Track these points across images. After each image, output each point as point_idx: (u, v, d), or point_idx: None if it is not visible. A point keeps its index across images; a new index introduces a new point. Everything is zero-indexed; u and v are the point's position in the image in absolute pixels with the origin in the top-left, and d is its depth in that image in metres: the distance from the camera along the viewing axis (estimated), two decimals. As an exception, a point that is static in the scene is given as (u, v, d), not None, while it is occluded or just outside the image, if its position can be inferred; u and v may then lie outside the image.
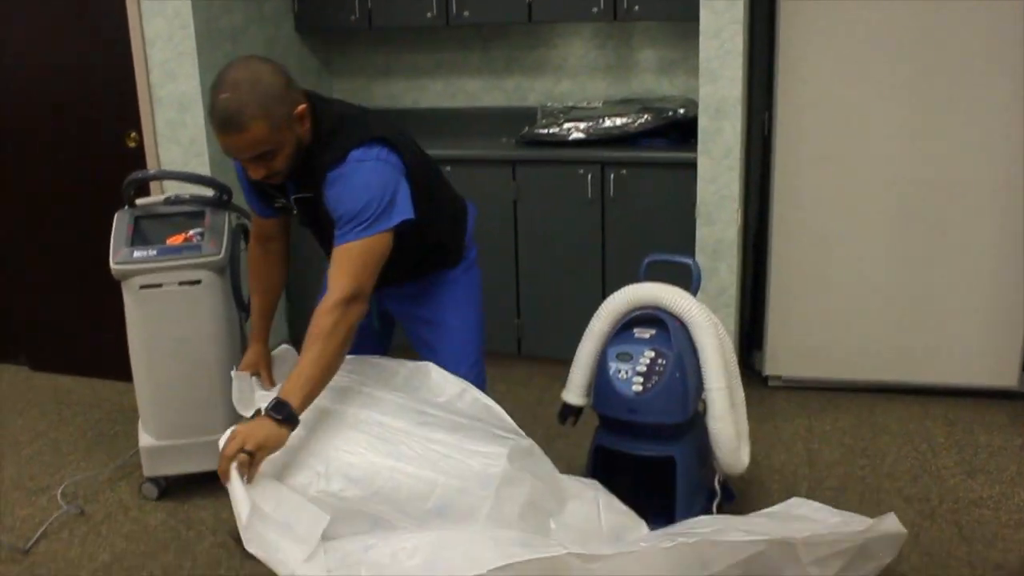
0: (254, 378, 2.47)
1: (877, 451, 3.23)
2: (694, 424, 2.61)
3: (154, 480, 3.13)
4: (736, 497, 2.90)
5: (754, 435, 3.34)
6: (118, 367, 3.42)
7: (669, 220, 3.62)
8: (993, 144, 3.31)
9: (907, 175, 3.40)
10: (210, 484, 3.14)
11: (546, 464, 2.29)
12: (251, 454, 1.88)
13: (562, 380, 2.70)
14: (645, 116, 3.80)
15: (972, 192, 3.37)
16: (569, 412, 2.69)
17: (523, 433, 2.26)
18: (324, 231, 2.30)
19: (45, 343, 4.23)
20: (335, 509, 1.94)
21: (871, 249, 3.49)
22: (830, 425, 3.43)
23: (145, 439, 3.10)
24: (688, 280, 2.70)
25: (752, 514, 2.48)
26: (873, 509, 2.86)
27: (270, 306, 2.59)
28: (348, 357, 2.20)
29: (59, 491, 3.18)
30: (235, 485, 1.85)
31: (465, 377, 2.37)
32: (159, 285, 2.95)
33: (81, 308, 4.05)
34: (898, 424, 3.41)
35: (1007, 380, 3.53)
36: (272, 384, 2.46)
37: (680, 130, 3.78)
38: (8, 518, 3.05)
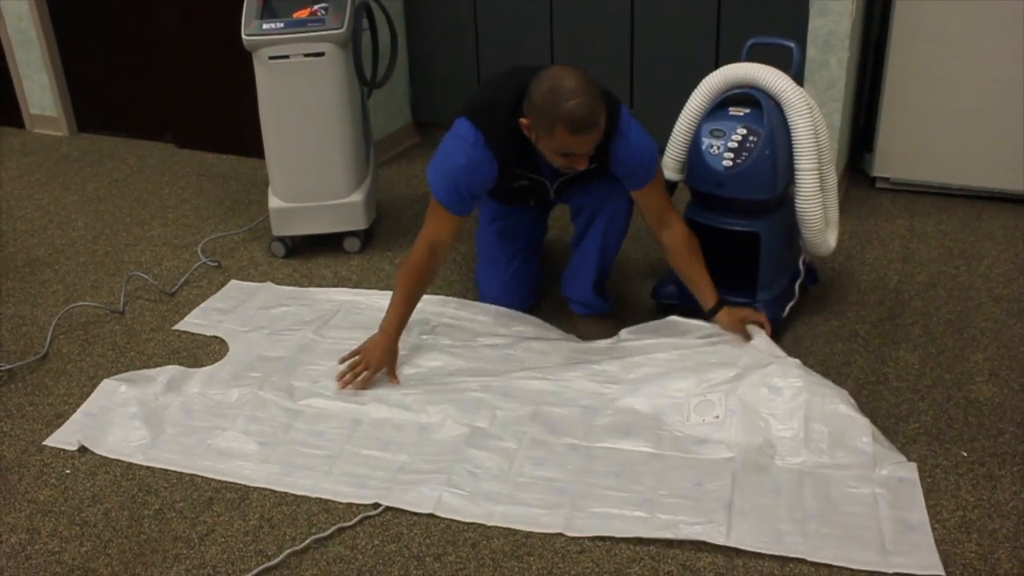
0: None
1: (976, 254, 3.23)
2: (782, 203, 2.69)
3: (281, 239, 3.40)
4: (820, 280, 2.99)
5: (852, 231, 3.40)
6: (254, 145, 3.69)
7: (783, 9, 3.56)
8: None
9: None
10: (331, 246, 3.43)
11: None
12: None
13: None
14: None
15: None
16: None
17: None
18: (546, 199, 2.72)
19: (189, 123, 4.54)
20: None
21: (996, 49, 3.36)
22: (932, 227, 3.43)
23: (274, 202, 3.37)
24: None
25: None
26: (960, 305, 2.91)
27: (413, 308, 2.65)
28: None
29: (199, 247, 3.51)
30: None
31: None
32: (286, 57, 3.14)
33: (221, 91, 4.31)
34: (1004, 231, 3.38)
35: None
36: (398, 381, 2.59)
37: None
38: (157, 267, 3.41)
